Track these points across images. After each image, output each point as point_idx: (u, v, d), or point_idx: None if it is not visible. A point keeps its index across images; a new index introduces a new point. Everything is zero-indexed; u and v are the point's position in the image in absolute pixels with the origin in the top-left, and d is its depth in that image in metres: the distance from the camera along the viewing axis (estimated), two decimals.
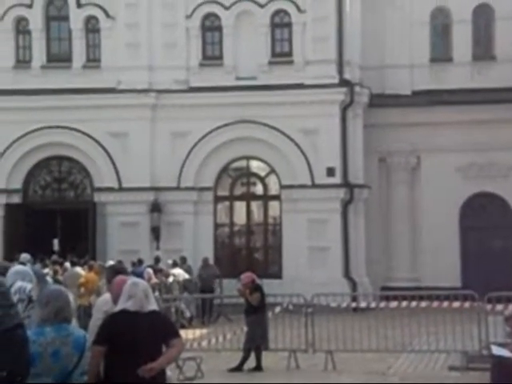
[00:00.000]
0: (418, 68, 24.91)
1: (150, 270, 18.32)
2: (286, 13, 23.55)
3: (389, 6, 24.99)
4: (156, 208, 23.14)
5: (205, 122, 23.04)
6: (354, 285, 22.39)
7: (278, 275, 22.74)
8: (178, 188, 23.39)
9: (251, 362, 13.25)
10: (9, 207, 23.36)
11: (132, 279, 6.40)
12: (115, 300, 7.07)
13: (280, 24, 23.71)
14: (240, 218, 24.15)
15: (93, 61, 23.89)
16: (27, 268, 7.80)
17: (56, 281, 14.81)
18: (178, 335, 5.96)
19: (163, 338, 5.78)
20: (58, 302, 5.23)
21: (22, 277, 7.05)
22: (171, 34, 23.49)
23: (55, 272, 16.91)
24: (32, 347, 4.93)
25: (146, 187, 23.27)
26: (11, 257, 19.94)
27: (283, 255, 23.24)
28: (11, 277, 7.21)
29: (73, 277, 17.03)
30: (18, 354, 4.83)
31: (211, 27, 23.94)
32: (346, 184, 23.26)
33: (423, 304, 14.14)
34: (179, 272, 20.03)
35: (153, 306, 5.98)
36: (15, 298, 5.75)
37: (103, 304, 7.91)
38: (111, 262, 16.18)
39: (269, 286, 16.36)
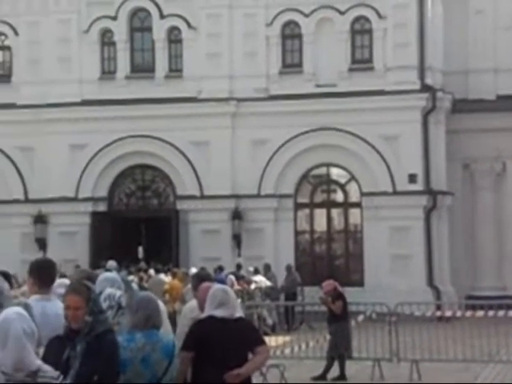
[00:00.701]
0: (503, 72, 24.34)
1: (233, 277, 18.36)
2: (366, 19, 23.36)
3: (471, 11, 24.52)
4: (237, 215, 23.24)
5: (285, 130, 23.03)
6: (438, 293, 21.99)
7: (359, 283, 22.51)
8: (258, 195, 23.44)
9: (335, 371, 13.11)
10: (95, 215, 23.81)
11: (221, 286, 6.39)
12: (202, 306, 7.08)
13: (360, 30, 23.55)
14: (320, 225, 24.02)
15: (175, 71, 24.18)
16: (116, 275, 7.88)
17: (142, 288, 14.98)
18: (263, 342, 5.94)
19: (249, 345, 5.76)
20: (148, 308, 5.27)
21: (110, 284, 7.12)
22: (251, 42, 23.60)
23: (141, 279, 17.12)
24: (122, 353, 4.99)
25: (226, 195, 23.40)
26: (98, 264, 20.34)
27: (365, 263, 23.00)
28: (100, 284, 7.29)
29: (157, 284, 17.22)
30: (109, 359, 4.89)
31: (291, 35, 23.95)
32: (429, 191, 22.88)
33: (511, 313, 13.75)
34: (261, 279, 20.04)
35: (239, 312, 5.97)
36: (105, 305, 5.81)
37: (190, 311, 7.95)
38: (194, 269, 16.29)
39: (350, 294, 16.18)
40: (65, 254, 20.78)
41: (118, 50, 24.30)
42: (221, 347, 5.65)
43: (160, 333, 5.28)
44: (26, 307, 4.92)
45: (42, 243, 23.36)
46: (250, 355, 5.81)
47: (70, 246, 22.61)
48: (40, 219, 23.48)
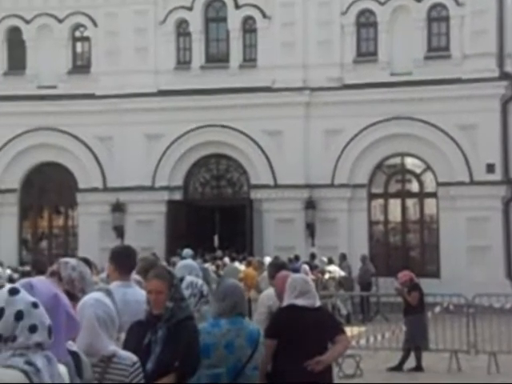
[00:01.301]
0: None
1: (307, 267, 18.25)
2: (443, 7, 22.87)
3: None
4: (310, 205, 23.10)
5: (359, 119, 22.76)
6: None
7: (435, 274, 22.12)
8: (332, 185, 23.24)
9: (411, 362, 12.90)
10: (171, 204, 24.02)
11: (301, 276, 6.33)
12: (279, 295, 7.01)
13: (437, 18, 23.08)
14: (395, 215, 23.69)
15: (249, 60, 24.15)
16: (194, 262, 7.88)
17: (218, 276, 15.02)
18: (343, 332, 5.87)
19: (329, 334, 5.71)
20: (235, 296, 5.25)
21: (188, 271, 7.12)
22: (326, 31, 23.38)
23: (217, 267, 17.17)
24: (206, 338, 4.99)
25: (300, 184, 23.28)
26: (174, 252, 20.53)
27: (441, 254, 22.60)
28: (179, 271, 7.31)
29: (232, 272, 17.23)
30: (189, 345, 4.88)
31: (366, 23, 23.64)
32: (508, 181, 22.31)
33: None
34: (335, 269, 19.88)
35: (319, 302, 5.90)
36: (187, 293, 5.80)
37: (267, 299, 7.91)
38: (268, 258, 16.25)
39: (426, 285, 15.88)
40: (141, 242, 20.97)
41: (193, 40, 24.39)
42: (302, 335, 5.61)
43: (245, 320, 5.26)
44: (108, 293, 4.92)
45: (119, 231, 23.69)
46: (330, 345, 5.75)
47: (147, 234, 22.85)
48: (118, 208, 23.82)
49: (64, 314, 3.72)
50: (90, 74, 24.76)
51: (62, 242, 25.34)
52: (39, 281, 3.82)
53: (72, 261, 5.48)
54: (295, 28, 23.54)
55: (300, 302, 5.74)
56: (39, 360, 3.15)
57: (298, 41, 23.52)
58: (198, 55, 24.33)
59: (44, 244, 25.41)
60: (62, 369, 3.30)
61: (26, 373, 3.11)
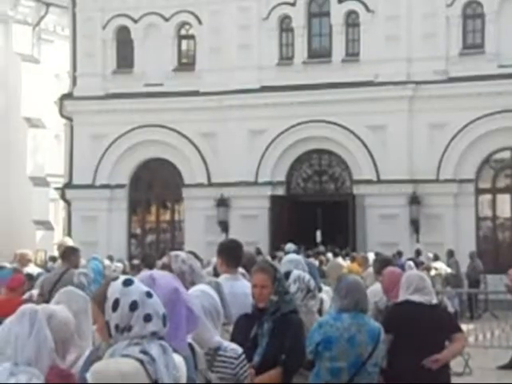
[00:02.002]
0: None
1: (412, 263, 17.93)
2: None
3: None
4: (415, 200, 22.71)
5: (464, 113, 22.21)
6: None
7: None
8: (437, 180, 22.78)
9: None
10: (274, 199, 24.10)
11: (416, 272, 6.26)
12: (386, 291, 6.91)
13: None
14: (504, 211, 23.02)
15: (352, 55, 23.95)
16: (300, 257, 7.85)
17: (321, 271, 14.95)
18: (460, 330, 5.75)
19: (446, 332, 5.59)
20: (357, 293, 5.23)
21: (294, 265, 7.10)
22: (431, 24, 22.91)
23: (321, 262, 17.11)
24: (329, 330, 5.00)
25: (404, 179, 22.92)
26: (277, 246, 20.59)
27: None
28: (285, 265, 7.30)
29: (335, 267, 17.04)
30: (295, 339, 4.87)
31: (472, 15, 23.04)
32: None
33: None
34: (441, 266, 19.47)
35: (435, 299, 5.80)
36: (294, 287, 5.79)
37: (373, 295, 7.81)
38: (371, 254, 16.06)
39: None
40: (246, 237, 20.92)
41: (295, 35, 24.37)
42: (419, 332, 5.53)
43: (366, 317, 5.25)
44: (218, 286, 4.96)
45: (224, 226, 23.94)
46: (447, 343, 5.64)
47: (251, 229, 22.98)
48: (222, 202, 24.08)
49: (184, 308, 3.76)
50: (195, 71, 25.11)
51: (169, 236, 25.84)
52: (160, 274, 3.87)
53: (182, 254, 5.56)
54: (399, 21, 23.17)
55: (416, 298, 5.66)
56: (154, 349, 3.18)
57: (402, 34, 23.15)
58: (300, 50, 24.29)
59: (151, 238, 25.98)
60: (178, 359, 3.33)
61: (141, 362, 3.14)
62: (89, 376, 3.07)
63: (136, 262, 15.16)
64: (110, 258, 19.08)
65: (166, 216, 26.18)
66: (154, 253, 16.76)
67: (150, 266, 9.32)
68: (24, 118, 35.47)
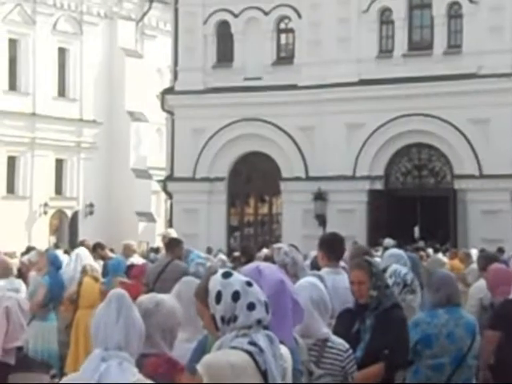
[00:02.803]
0: None
1: None
2: None
3: None
4: None
5: None
6: None
7: None
8: None
9: None
10: (372, 193, 23.89)
11: None
12: (491, 287, 6.76)
13: None
14: None
15: (454, 47, 23.46)
16: (401, 251, 7.76)
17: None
18: None
19: None
20: (449, 287, 5.16)
21: (396, 260, 7.03)
22: None
23: (421, 258, 16.84)
24: (427, 328, 4.97)
25: (508, 174, 22.28)
26: (375, 241, 20.39)
27: None
28: (386, 259, 7.25)
29: (436, 263, 16.78)
30: (399, 334, 4.84)
31: None
32: None
33: None
34: None
35: None
36: (390, 281, 5.75)
37: (478, 291, 7.68)
38: (474, 251, 15.70)
39: None
40: (343, 231, 20.68)
41: (396, 27, 24.05)
42: None
43: (461, 310, 5.18)
44: (320, 279, 4.97)
45: (321, 220, 23.89)
46: None
47: (348, 223, 22.81)
48: (320, 196, 24.03)
49: (290, 300, 3.79)
50: (293, 64, 25.12)
51: (267, 229, 25.98)
52: (266, 266, 3.91)
53: (285, 246, 5.59)
54: (503, 12, 22.53)
55: None
56: (262, 340, 3.21)
57: (506, 25, 22.51)
58: (400, 43, 23.95)
59: (250, 231, 26.18)
60: (285, 350, 3.35)
61: (250, 353, 3.18)
62: (199, 368, 3.12)
63: (236, 254, 15.31)
64: (209, 250, 19.31)
65: (264, 209, 26.33)
66: (254, 245, 16.88)
67: (250, 259, 9.38)
68: (127, 111, 36.37)
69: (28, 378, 3.47)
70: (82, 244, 12.60)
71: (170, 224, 25.48)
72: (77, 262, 10.74)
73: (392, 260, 7.05)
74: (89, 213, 35.29)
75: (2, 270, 8.74)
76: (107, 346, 2.97)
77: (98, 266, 10.71)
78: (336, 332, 4.81)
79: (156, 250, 18.03)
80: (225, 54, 25.91)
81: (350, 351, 4.44)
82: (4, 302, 3.62)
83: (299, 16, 24.97)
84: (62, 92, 35.53)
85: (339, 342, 4.45)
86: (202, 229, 24.86)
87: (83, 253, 11.14)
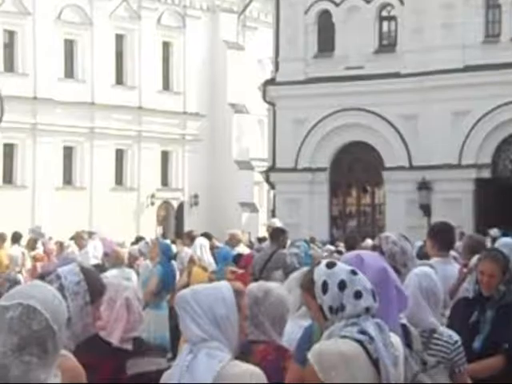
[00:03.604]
0: None
1: None
2: None
3: None
4: None
5: None
6: None
7: None
8: None
9: None
10: (479, 182, 23.29)
11: None
12: None
13: None
14: None
15: None
16: None
17: None
18: None
19: None
20: None
21: (509, 250, 6.80)
22: None
23: None
24: None
25: None
26: (482, 231, 19.84)
27: None
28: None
29: None
30: None
31: None
32: None
33: None
34: None
35: None
36: None
37: None
38: None
39: None
40: (449, 221, 20.59)
41: (502, 12, 23.30)
42: None
43: None
44: (432, 268, 4.87)
45: (426, 209, 23.46)
46: None
47: (454, 213, 22.20)
48: (424, 186, 23.60)
49: (393, 288, 3.72)
50: (396, 52, 24.73)
51: (370, 219, 25.73)
52: (368, 254, 3.85)
53: (392, 235, 5.47)
54: None
55: None
56: (371, 328, 3.17)
57: None
58: (507, 27, 23.18)
59: (352, 221, 26.00)
60: (396, 339, 3.29)
61: (360, 342, 3.14)
62: (310, 356, 3.10)
63: (339, 244, 15.22)
64: (312, 240, 19.27)
65: (367, 199, 26.08)
66: (357, 235, 16.74)
67: (353, 248, 9.29)
68: (229, 104, 36.72)
69: (146, 362, 3.54)
70: (190, 234, 12.77)
71: (272, 214, 25.60)
72: (202, 250, 10.86)
73: (505, 250, 6.83)
74: (194, 203, 35.91)
75: (114, 259, 8.97)
76: (192, 338, 2.98)
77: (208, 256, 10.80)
78: (451, 321, 4.73)
79: (261, 240, 18.14)
80: (326, 43, 25.74)
81: (459, 344, 4.31)
82: (123, 293, 3.69)
83: (402, 3, 24.54)
84: (166, 86, 36.22)
85: (448, 334, 4.33)
86: (304, 219, 24.84)
87: (205, 242, 11.24)
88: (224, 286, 3.02)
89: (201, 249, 10.78)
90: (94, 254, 10.62)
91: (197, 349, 2.91)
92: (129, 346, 3.59)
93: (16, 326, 2.27)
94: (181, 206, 36.00)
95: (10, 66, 31.68)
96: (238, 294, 3.02)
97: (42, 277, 3.67)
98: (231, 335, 2.95)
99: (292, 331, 4.10)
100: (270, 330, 3.91)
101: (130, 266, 10.81)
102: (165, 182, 36.00)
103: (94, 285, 3.10)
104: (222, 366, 2.87)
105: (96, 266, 11.01)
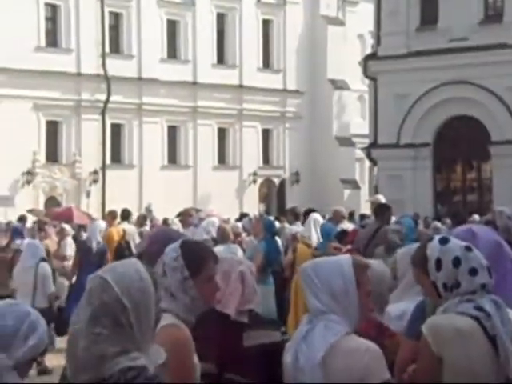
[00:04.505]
0: None
1: None
2: None
3: None
4: None
5: None
6: None
7: None
8: None
9: None
10: None
11: None
12: None
13: None
14: None
15: None
16: None
17: None
18: None
19: None
20: None
21: None
22: None
23: None
24: None
25: None
26: None
27: None
28: None
29: None
30: None
31: None
32: None
33: None
34: None
35: None
36: None
37: None
38: None
39: None
40: None
41: None
42: None
43: None
44: None
45: None
46: None
47: None
48: None
49: (509, 262, 3.62)
50: (502, 23, 23.93)
51: (476, 195, 25.12)
52: (480, 228, 3.76)
53: (507, 210, 5.34)
54: None
55: None
56: (488, 305, 3.11)
57: None
58: None
59: (457, 197, 25.46)
60: None
61: (476, 319, 3.09)
62: (424, 329, 3.08)
63: (445, 220, 14.95)
64: (417, 216, 19.00)
65: (472, 175, 25.45)
66: (463, 211, 16.45)
67: (460, 223, 9.11)
68: (329, 79, 36.46)
69: (261, 335, 3.59)
70: (294, 211, 12.80)
71: (375, 191, 25.35)
72: (316, 226, 10.88)
73: None
74: (295, 181, 35.96)
75: (220, 236, 9.09)
76: (312, 310, 3.00)
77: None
78: None
79: (363, 217, 18.04)
80: (429, 15, 25.14)
81: None
82: (238, 267, 3.75)
83: None
84: (266, 63, 36.25)
85: None
86: (407, 195, 24.47)
87: (319, 218, 11.27)
88: (344, 260, 3.02)
89: (314, 224, 10.77)
90: (207, 229, 10.78)
91: (316, 320, 2.93)
92: (244, 319, 3.65)
93: (91, 297, 2.35)
94: (282, 183, 36.13)
95: (115, 48, 32.40)
96: (359, 268, 3.01)
97: (139, 256, 3.75)
98: (350, 309, 2.95)
99: (408, 308, 4.06)
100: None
101: (233, 241, 10.95)
102: (266, 159, 36.16)
103: (191, 259, 3.12)
104: (337, 339, 2.87)
105: (207, 241, 11.20)
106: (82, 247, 11.75)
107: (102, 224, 12.88)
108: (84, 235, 13.07)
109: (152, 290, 2.40)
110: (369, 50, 28.20)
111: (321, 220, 11.15)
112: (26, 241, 11.29)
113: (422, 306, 3.72)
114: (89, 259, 11.03)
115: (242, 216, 16.27)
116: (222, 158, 34.90)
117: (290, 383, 3.00)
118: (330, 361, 2.89)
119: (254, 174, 35.17)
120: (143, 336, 2.35)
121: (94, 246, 11.35)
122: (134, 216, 16.55)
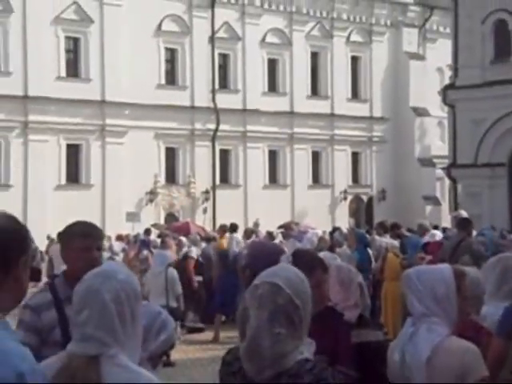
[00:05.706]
0: None
1: None
2: None
3: None
4: None
5: None
6: None
7: None
8: None
9: None
10: None
11: None
12: None
13: None
14: None
15: None
16: None
17: None
18: None
19: None
20: None
21: None
22: None
23: None
24: None
25: None
26: None
27: None
28: None
29: None
30: None
31: None
32: None
33: None
34: None
35: None
36: None
37: None
38: None
39: None
40: None
41: None
42: None
43: None
44: None
45: None
46: None
47: None
48: None
49: None
50: None
51: None
52: None
53: None
54: None
55: None
56: None
57: None
58: None
59: None
60: None
61: None
62: None
63: None
64: (493, 228, 18.48)
65: None
66: None
67: None
68: (411, 107, 36.04)
69: (367, 334, 3.60)
70: (383, 224, 12.68)
71: (455, 207, 24.79)
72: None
73: None
74: (382, 198, 35.59)
75: (322, 243, 9.07)
76: (414, 313, 2.97)
77: (396, 243, 10.73)
78: None
79: (445, 230, 17.69)
80: (502, 49, 24.51)
81: None
82: (356, 277, 3.76)
83: None
84: (354, 94, 36.16)
85: None
86: (485, 210, 23.83)
87: (439, 233, 11.17)
88: (445, 268, 3.01)
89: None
90: (311, 239, 10.89)
91: (419, 323, 2.92)
92: (353, 319, 3.67)
93: (264, 301, 2.30)
94: (370, 200, 35.83)
95: (223, 84, 33.00)
96: (458, 275, 3.00)
97: (245, 266, 3.78)
98: (450, 313, 2.93)
99: (493, 312, 4.00)
100: (468, 308, 3.82)
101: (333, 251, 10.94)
102: (355, 179, 35.97)
103: (301, 267, 3.11)
104: (441, 340, 2.86)
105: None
106: (222, 255, 12.18)
107: (239, 237, 13.33)
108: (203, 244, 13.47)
109: (310, 290, 2.40)
110: (446, 81, 27.70)
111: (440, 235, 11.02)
112: (156, 251, 11.65)
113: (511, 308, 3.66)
114: (226, 264, 11.55)
115: (335, 229, 16.20)
116: (316, 178, 34.94)
117: (395, 379, 3.00)
118: (433, 360, 2.87)
119: (345, 191, 35.04)
120: (305, 331, 2.35)
121: (231, 253, 11.83)
122: (241, 229, 16.76)
